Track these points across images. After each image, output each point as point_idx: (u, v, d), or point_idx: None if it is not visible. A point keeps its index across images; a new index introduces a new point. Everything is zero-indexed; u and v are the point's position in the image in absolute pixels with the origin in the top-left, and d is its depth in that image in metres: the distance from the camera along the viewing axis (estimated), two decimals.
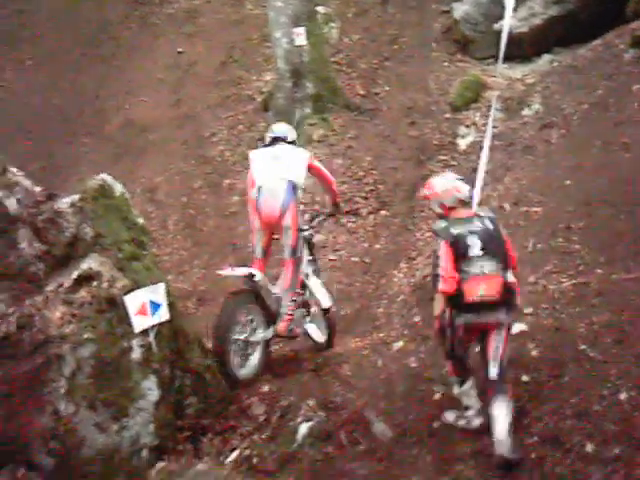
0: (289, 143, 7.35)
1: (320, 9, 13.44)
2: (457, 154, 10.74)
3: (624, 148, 8.66)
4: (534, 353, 6.28)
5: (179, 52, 14.93)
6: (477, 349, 5.78)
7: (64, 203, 5.46)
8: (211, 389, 5.95)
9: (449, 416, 5.85)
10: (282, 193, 6.94)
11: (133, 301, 5.29)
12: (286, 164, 7.08)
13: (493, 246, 5.57)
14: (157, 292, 5.50)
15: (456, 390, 5.82)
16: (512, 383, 5.95)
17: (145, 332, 5.36)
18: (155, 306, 5.45)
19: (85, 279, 5.25)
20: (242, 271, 6.77)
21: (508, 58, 9.67)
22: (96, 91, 14.47)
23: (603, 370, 5.81)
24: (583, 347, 6.14)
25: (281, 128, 7.53)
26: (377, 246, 9.97)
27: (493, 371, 5.48)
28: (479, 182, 8.43)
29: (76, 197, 5.51)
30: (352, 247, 9.98)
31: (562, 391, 5.74)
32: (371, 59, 12.88)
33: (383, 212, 10.43)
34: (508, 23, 8.89)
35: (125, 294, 5.28)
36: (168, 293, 5.66)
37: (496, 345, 5.53)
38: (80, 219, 5.44)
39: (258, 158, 7.29)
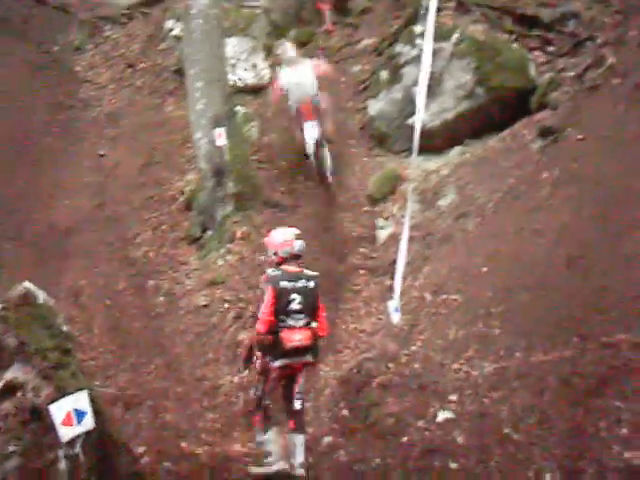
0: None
1: (240, 109, 13.73)
2: (377, 246, 10.93)
3: (537, 234, 8.99)
4: (460, 440, 6.41)
5: (101, 155, 14.97)
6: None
7: None
8: None
9: (254, 469, 6.76)
10: None
11: (58, 411, 5.23)
12: None
13: (309, 304, 6.58)
14: (82, 400, 5.45)
15: (260, 438, 6.70)
16: (440, 471, 6.07)
17: (72, 442, 5.30)
18: (80, 414, 5.40)
19: (9, 390, 5.18)
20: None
21: (423, 151, 10.01)
22: (19, 197, 14.36)
23: (527, 452, 5.96)
24: (507, 431, 6.30)
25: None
26: None
27: (297, 404, 6.60)
28: (399, 273, 8.68)
29: None
30: None
31: (490, 476, 5.86)
32: (290, 156, 13.14)
33: None
34: (420, 118, 9.27)
35: (50, 404, 5.22)
36: (94, 399, 5.62)
37: (302, 383, 6.64)
38: (3, 328, 5.40)
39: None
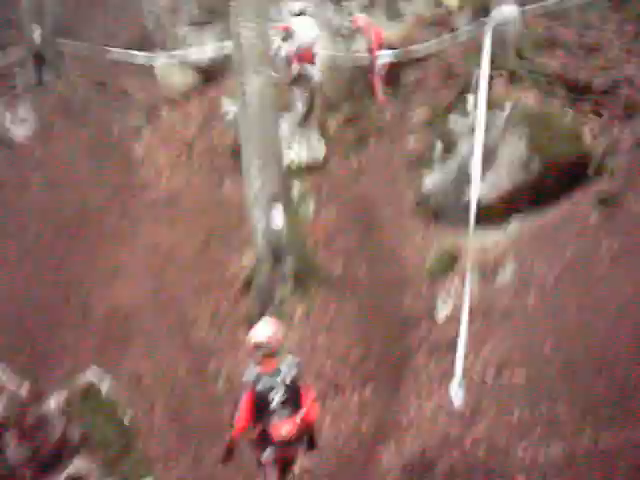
0: None
1: (296, 187, 13.88)
2: (437, 323, 10.81)
3: (599, 308, 8.81)
4: None
5: (160, 237, 15.17)
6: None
7: (51, 404, 5.48)
8: None
9: None
10: None
11: None
12: None
13: (290, 398, 6.76)
14: None
15: None
16: None
17: None
18: None
19: None
20: None
21: (480, 224, 9.94)
22: (80, 279, 14.56)
23: None
24: None
25: None
26: (363, 425, 9.79)
27: None
28: (461, 352, 8.55)
29: (62, 397, 5.53)
30: (337, 429, 9.83)
31: None
32: (348, 233, 13.18)
33: (368, 389, 10.28)
34: (477, 191, 9.23)
35: None
36: None
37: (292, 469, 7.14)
38: (67, 420, 5.45)
39: None
